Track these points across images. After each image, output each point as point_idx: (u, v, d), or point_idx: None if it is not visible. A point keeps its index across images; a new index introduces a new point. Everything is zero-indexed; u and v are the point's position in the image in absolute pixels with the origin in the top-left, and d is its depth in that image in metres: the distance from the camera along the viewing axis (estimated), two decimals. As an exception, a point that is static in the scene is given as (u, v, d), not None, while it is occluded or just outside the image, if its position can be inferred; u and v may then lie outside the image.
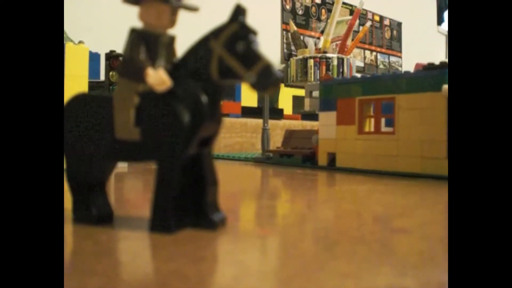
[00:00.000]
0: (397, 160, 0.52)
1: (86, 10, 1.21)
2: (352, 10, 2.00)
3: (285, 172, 0.57)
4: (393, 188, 0.42)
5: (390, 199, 0.35)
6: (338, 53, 1.09)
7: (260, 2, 1.64)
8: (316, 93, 1.14)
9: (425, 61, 0.62)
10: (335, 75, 1.03)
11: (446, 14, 2.53)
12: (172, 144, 0.21)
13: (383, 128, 0.55)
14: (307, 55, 1.10)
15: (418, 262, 0.19)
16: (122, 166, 0.55)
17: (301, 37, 1.32)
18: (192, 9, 0.22)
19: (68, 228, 0.22)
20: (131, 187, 0.42)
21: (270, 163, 0.70)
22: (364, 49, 2.12)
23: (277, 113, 1.26)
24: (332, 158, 0.60)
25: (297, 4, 1.95)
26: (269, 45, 1.76)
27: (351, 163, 0.57)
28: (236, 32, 0.21)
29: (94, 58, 0.88)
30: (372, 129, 0.56)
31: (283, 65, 1.55)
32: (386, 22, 2.22)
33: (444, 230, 0.24)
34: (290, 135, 0.73)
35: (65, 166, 0.23)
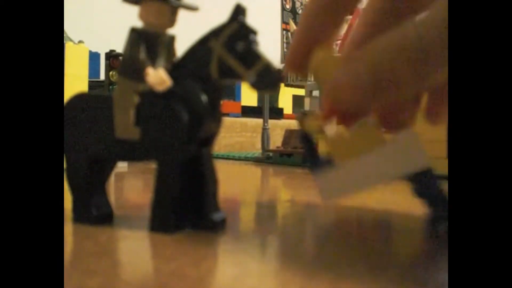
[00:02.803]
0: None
1: (86, 10, 1.21)
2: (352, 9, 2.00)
3: (285, 172, 0.57)
4: (393, 187, 0.42)
5: (390, 199, 0.35)
6: (338, 52, 1.10)
7: (260, 2, 1.64)
8: (316, 93, 1.14)
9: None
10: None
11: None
12: (172, 143, 0.21)
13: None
14: (307, 54, 1.10)
15: (418, 262, 0.19)
16: (122, 166, 0.55)
17: (301, 36, 1.32)
18: (192, 8, 0.22)
19: (68, 228, 0.22)
20: (131, 187, 0.42)
21: (270, 162, 0.70)
22: (364, 48, 2.12)
23: (277, 113, 1.26)
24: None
25: (297, 4, 1.95)
26: (269, 45, 1.76)
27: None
28: (236, 32, 0.21)
29: (94, 57, 0.88)
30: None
31: (283, 65, 1.55)
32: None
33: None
34: (290, 134, 0.73)
35: (65, 166, 0.23)
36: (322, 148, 0.22)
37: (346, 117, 0.21)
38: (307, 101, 1.23)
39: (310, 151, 0.23)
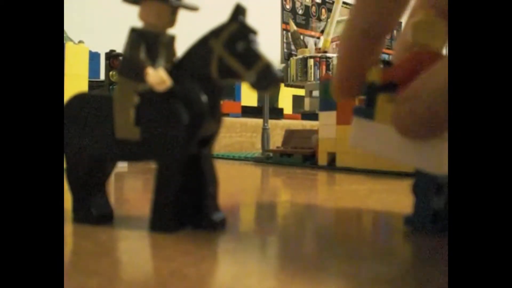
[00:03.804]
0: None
1: (86, 10, 1.21)
2: (352, 9, 2.00)
3: (285, 172, 0.57)
4: (393, 188, 0.42)
5: (390, 199, 0.35)
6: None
7: (260, 1, 1.64)
8: (316, 93, 1.14)
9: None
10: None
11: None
12: (171, 143, 0.21)
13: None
14: (307, 54, 1.10)
15: (418, 262, 0.19)
16: (122, 166, 0.55)
17: (301, 36, 1.32)
18: (192, 8, 0.22)
19: (68, 228, 0.22)
20: (131, 187, 0.42)
21: (270, 162, 0.70)
22: (364, 48, 2.11)
23: (277, 113, 1.26)
24: (332, 157, 0.60)
25: (297, 4, 1.95)
26: (269, 45, 1.76)
27: (351, 162, 0.57)
28: (236, 32, 0.21)
29: (94, 57, 0.88)
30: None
31: (283, 65, 1.55)
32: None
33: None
34: (290, 134, 0.73)
35: (65, 166, 0.23)
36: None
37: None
38: (307, 101, 1.23)
39: (371, 94, 0.23)
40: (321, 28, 1.94)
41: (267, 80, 0.20)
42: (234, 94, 1.27)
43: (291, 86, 1.41)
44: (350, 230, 0.24)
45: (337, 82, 0.22)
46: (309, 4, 1.98)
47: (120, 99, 0.22)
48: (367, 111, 0.23)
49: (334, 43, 1.14)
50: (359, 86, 0.22)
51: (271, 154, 0.72)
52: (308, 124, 1.24)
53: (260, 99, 1.27)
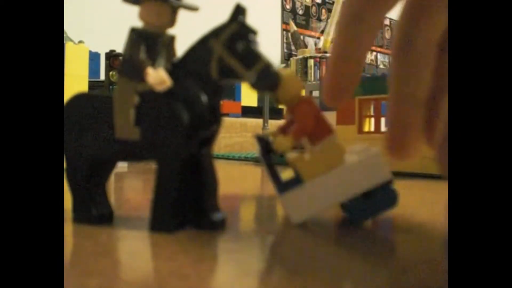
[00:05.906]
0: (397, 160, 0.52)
1: (86, 10, 1.21)
2: (352, 9, 1.99)
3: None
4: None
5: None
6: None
7: (260, 2, 1.64)
8: (316, 93, 1.14)
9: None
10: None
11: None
12: (171, 143, 0.21)
13: (383, 128, 0.55)
14: (307, 55, 1.10)
15: (418, 262, 0.19)
16: (122, 166, 0.55)
17: (301, 37, 1.32)
18: (192, 8, 0.22)
19: (68, 228, 0.22)
20: (131, 187, 0.42)
21: (270, 162, 0.70)
22: (364, 48, 2.11)
23: (277, 113, 1.26)
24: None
25: (297, 4, 1.95)
26: (269, 45, 1.76)
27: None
28: (236, 32, 0.21)
29: (94, 57, 0.88)
30: (372, 129, 0.56)
31: (283, 65, 1.55)
32: (386, 22, 2.21)
33: (444, 230, 0.24)
34: (290, 134, 0.73)
35: (65, 166, 0.23)
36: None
37: (313, 137, 0.25)
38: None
39: (274, 175, 0.25)
40: (321, 28, 1.94)
41: (267, 80, 0.20)
42: (234, 94, 1.27)
43: (291, 86, 1.41)
44: (350, 230, 0.24)
45: (329, 79, 0.21)
46: (309, 4, 1.98)
47: (120, 99, 0.22)
48: (292, 181, 0.25)
49: (334, 43, 1.14)
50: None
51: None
52: (308, 124, 1.23)
53: (260, 99, 1.27)
